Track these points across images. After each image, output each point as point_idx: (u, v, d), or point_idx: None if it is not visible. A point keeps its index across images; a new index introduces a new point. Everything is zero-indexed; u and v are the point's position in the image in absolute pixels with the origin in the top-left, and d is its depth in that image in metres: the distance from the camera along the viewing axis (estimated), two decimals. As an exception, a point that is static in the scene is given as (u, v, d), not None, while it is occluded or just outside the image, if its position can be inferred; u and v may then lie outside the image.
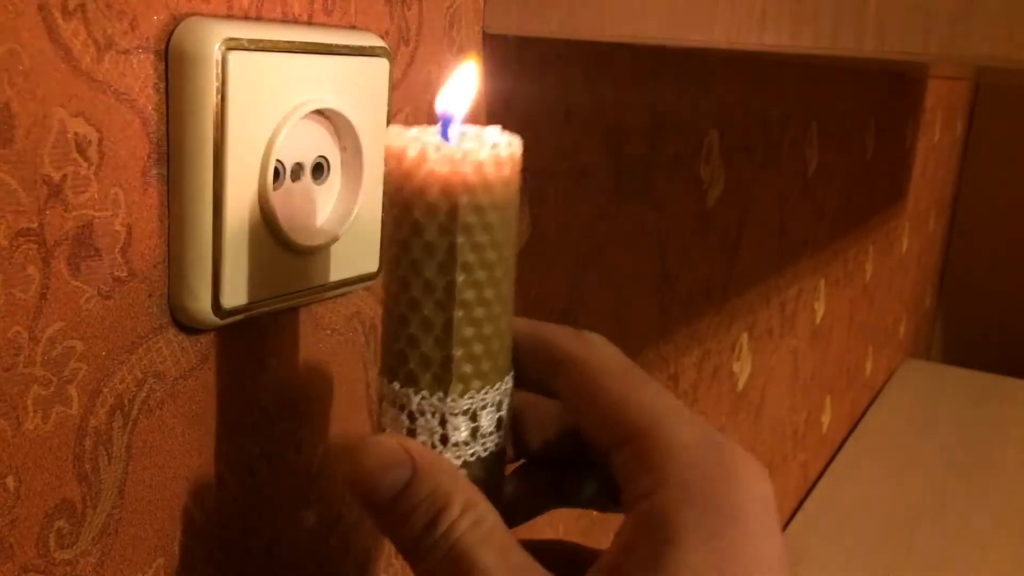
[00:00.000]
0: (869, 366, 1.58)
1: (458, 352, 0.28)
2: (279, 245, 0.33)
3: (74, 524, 0.29)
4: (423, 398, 0.29)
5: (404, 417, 0.29)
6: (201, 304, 0.31)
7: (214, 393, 0.33)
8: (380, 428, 0.30)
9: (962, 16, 0.32)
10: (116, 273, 0.29)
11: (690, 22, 0.37)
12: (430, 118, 0.41)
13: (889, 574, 1.11)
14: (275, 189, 0.33)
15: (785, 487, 1.20)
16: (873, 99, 1.24)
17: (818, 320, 1.20)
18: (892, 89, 1.34)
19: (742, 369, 0.95)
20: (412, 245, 0.28)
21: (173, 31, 0.29)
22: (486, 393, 0.29)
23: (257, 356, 0.35)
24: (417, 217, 0.27)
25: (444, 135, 0.28)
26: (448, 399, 0.29)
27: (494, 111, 0.46)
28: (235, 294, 0.32)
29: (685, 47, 0.39)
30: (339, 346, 0.39)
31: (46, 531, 0.29)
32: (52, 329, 0.27)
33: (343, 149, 0.35)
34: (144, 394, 0.31)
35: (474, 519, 0.26)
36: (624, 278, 0.65)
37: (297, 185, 0.34)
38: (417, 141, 0.27)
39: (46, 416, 0.28)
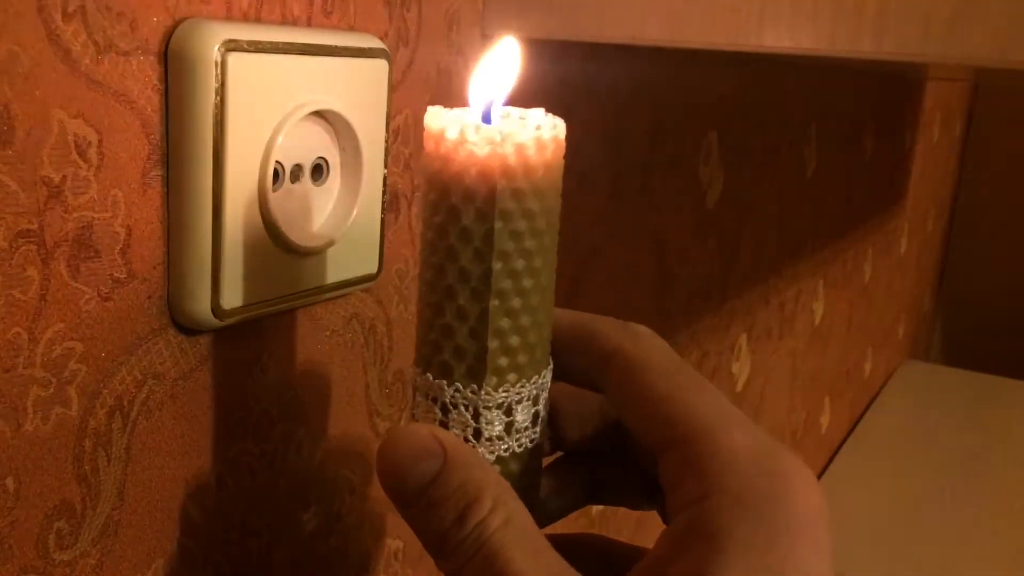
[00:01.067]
0: (868, 367, 1.58)
1: (493, 344, 0.27)
2: (278, 246, 0.33)
3: (73, 525, 0.29)
4: (456, 390, 0.28)
5: (437, 409, 0.28)
6: (200, 305, 0.31)
7: (213, 394, 0.33)
8: (413, 420, 0.29)
9: (960, 18, 0.32)
10: (116, 274, 0.29)
11: (689, 24, 0.37)
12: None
13: (888, 574, 1.11)
14: (274, 190, 0.33)
15: (784, 488, 1.20)
16: (872, 100, 1.24)
17: (817, 321, 1.20)
18: (891, 90, 1.34)
19: (741, 370, 0.95)
20: (448, 231, 0.27)
21: (172, 33, 0.29)
22: (522, 387, 0.28)
23: (256, 357, 0.35)
24: (454, 202, 0.26)
25: (485, 116, 0.27)
26: (482, 392, 0.28)
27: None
28: (234, 295, 0.32)
29: (684, 48, 0.39)
30: (338, 347, 0.39)
31: (45, 532, 0.29)
32: (52, 330, 0.27)
33: (342, 150, 0.35)
34: (144, 395, 0.31)
35: (505, 516, 0.25)
36: (623, 279, 0.65)
37: (296, 186, 0.34)
38: (456, 122, 0.26)
39: (46, 417, 0.28)
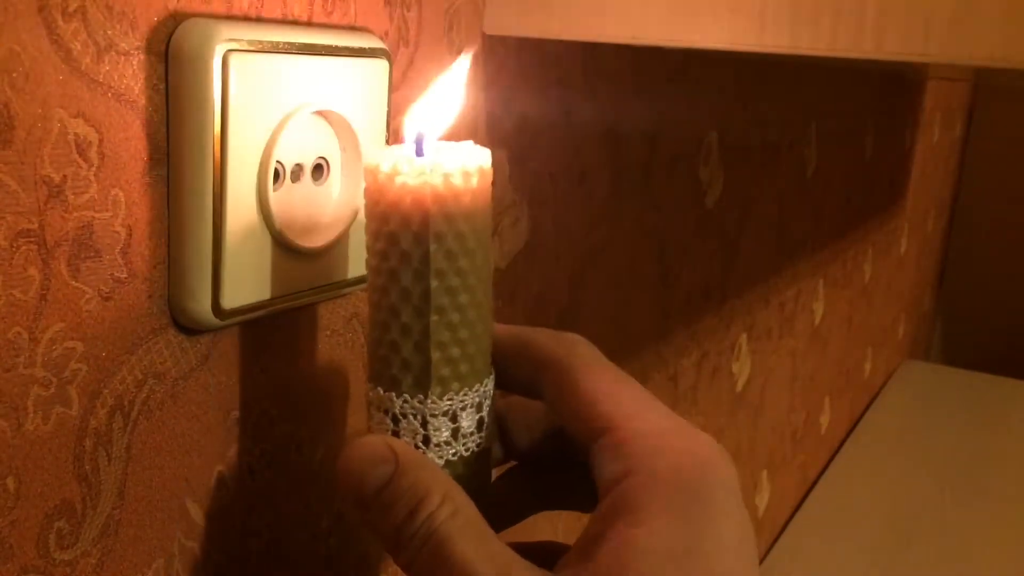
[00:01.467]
0: (868, 367, 1.58)
1: (436, 355, 0.30)
2: (279, 246, 0.33)
3: (74, 525, 0.29)
4: (405, 401, 0.30)
5: (389, 420, 0.30)
6: (201, 305, 0.31)
7: (214, 394, 0.33)
8: (370, 432, 0.31)
9: (960, 18, 0.32)
10: (116, 274, 0.29)
11: (690, 24, 0.37)
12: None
13: (888, 575, 1.11)
14: (275, 190, 0.33)
15: (784, 488, 1.20)
16: (872, 100, 1.24)
17: (817, 321, 1.20)
18: (891, 90, 1.34)
19: (741, 370, 0.95)
20: (389, 255, 0.29)
21: (173, 32, 0.29)
22: (465, 395, 0.31)
23: (257, 357, 0.35)
24: (392, 228, 0.29)
25: (418, 151, 0.30)
26: (428, 401, 0.30)
27: (494, 112, 0.46)
28: (235, 295, 0.32)
29: (684, 48, 0.39)
30: (338, 347, 0.39)
31: (46, 532, 0.29)
32: (52, 330, 0.27)
33: (343, 150, 0.35)
34: (144, 395, 0.31)
35: (452, 510, 0.28)
36: (623, 279, 0.65)
37: (297, 186, 0.34)
38: (390, 156, 0.29)
39: (46, 417, 0.28)
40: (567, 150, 0.54)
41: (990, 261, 2.17)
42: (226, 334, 0.33)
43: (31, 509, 0.28)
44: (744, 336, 0.93)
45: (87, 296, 0.28)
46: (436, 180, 0.28)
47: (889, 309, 1.66)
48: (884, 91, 1.30)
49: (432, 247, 0.29)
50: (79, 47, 0.27)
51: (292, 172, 0.33)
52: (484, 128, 0.46)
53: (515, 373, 0.33)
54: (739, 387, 0.95)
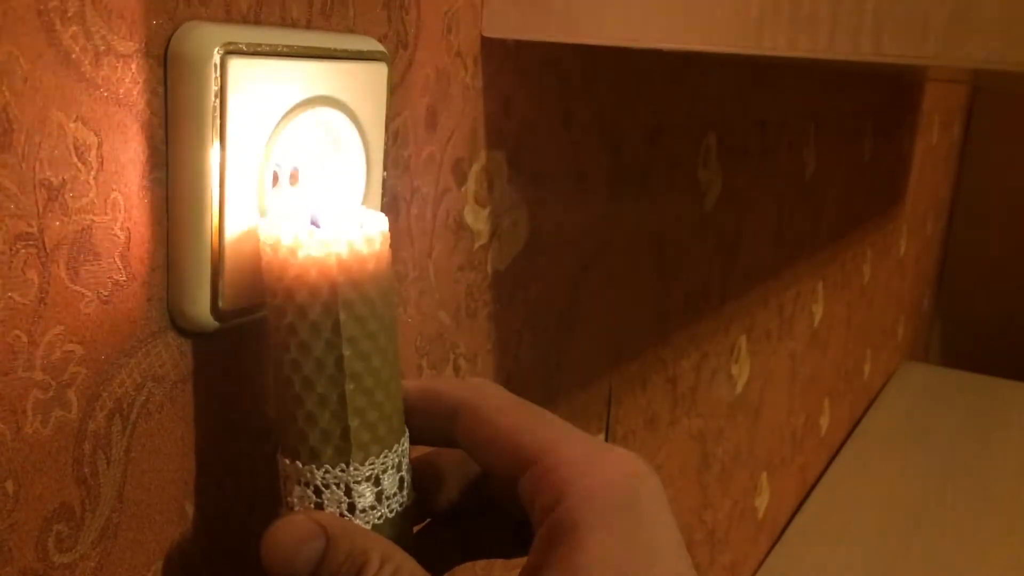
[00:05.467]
0: (867, 368, 1.58)
1: (355, 422, 0.30)
2: (278, 249, 0.33)
3: (73, 528, 0.29)
4: (327, 471, 0.30)
5: (310, 492, 0.30)
6: (200, 308, 0.31)
7: (213, 396, 0.33)
8: (288, 507, 0.31)
9: (959, 19, 0.32)
10: (115, 277, 0.29)
11: (688, 26, 0.37)
12: (427, 122, 0.41)
13: (888, 576, 1.11)
14: (273, 193, 0.33)
15: (784, 490, 1.20)
16: (871, 102, 1.24)
17: (816, 323, 1.20)
18: (890, 92, 1.34)
19: (740, 372, 0.95)
20: (298, 328, 0.29)
21: (172, 35, 0.29)
22: (386, 457, 0.31)
23: (256, 359, 0.35)
24: (300, 301, 0.29)
25: (312, 221, 0.30)
26: (351, 468, 0.30)
27: (493, 114, 0.46)
28: (234, 298, 0.32)
29: (683, 51, 0.39)
30: (338, 349, 0.39)
31: (45, 535, 0.29)
32: (51, 333, 0.27)
33: (341, 153, 0.35)
34: (143, 398, 0.31)
35: (393, 569, 0.28)
36: (622, 281, 0.65)
37: (295, 189, 0.34)
38: (289, 229, 0.29)
39: (45, 420, 0.28)
40: (566, 152, 0.54)
41: (989, 262, 2.17)
42: (225, 336, 0.33)
43: (30, 512, 0.28)
44: (743, 338, 0.93)
45: (86, 299, 0.28)
46: (340, 248, 0.29)
47: (888, 310, 1.66)
48: (883, 93, 1.30)
49: (342, 316, 0.29)
50: (78, 50, 0.27)
51: (290, 175, 0.33)
52: (483, 130, 0.46)
53: (426, 425, 0.33)
54: (738, 389, 0.95)
